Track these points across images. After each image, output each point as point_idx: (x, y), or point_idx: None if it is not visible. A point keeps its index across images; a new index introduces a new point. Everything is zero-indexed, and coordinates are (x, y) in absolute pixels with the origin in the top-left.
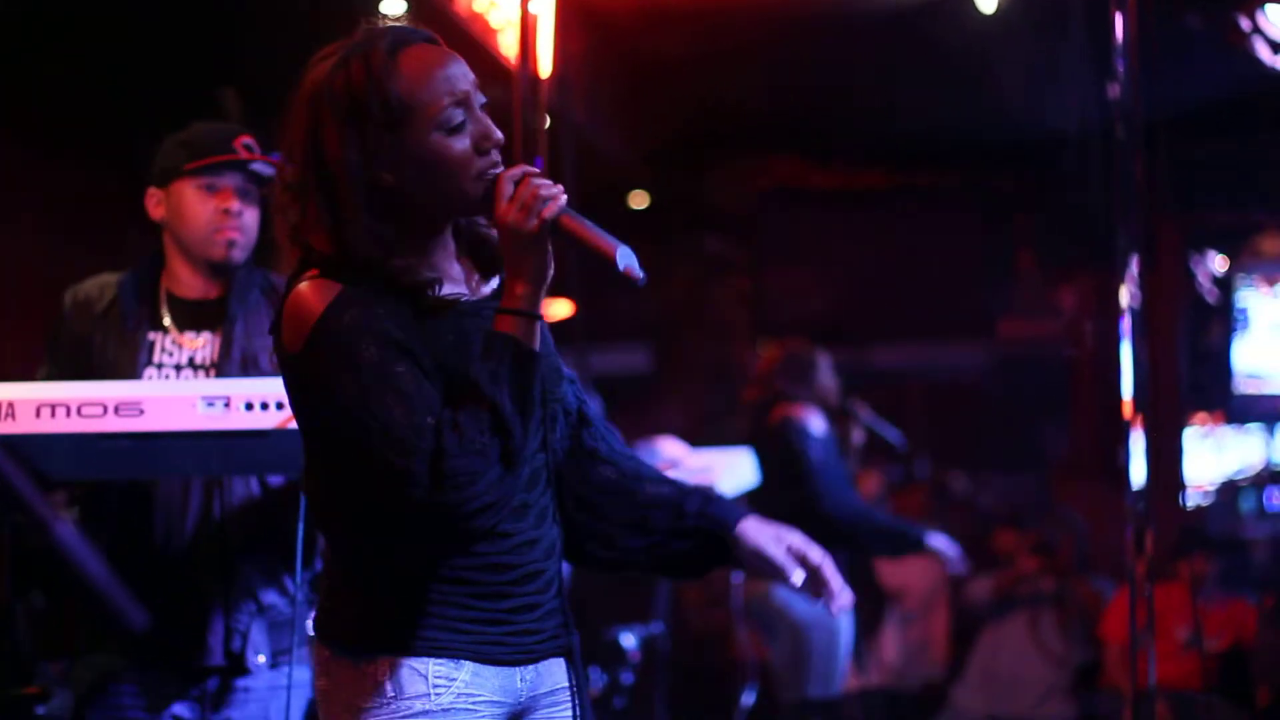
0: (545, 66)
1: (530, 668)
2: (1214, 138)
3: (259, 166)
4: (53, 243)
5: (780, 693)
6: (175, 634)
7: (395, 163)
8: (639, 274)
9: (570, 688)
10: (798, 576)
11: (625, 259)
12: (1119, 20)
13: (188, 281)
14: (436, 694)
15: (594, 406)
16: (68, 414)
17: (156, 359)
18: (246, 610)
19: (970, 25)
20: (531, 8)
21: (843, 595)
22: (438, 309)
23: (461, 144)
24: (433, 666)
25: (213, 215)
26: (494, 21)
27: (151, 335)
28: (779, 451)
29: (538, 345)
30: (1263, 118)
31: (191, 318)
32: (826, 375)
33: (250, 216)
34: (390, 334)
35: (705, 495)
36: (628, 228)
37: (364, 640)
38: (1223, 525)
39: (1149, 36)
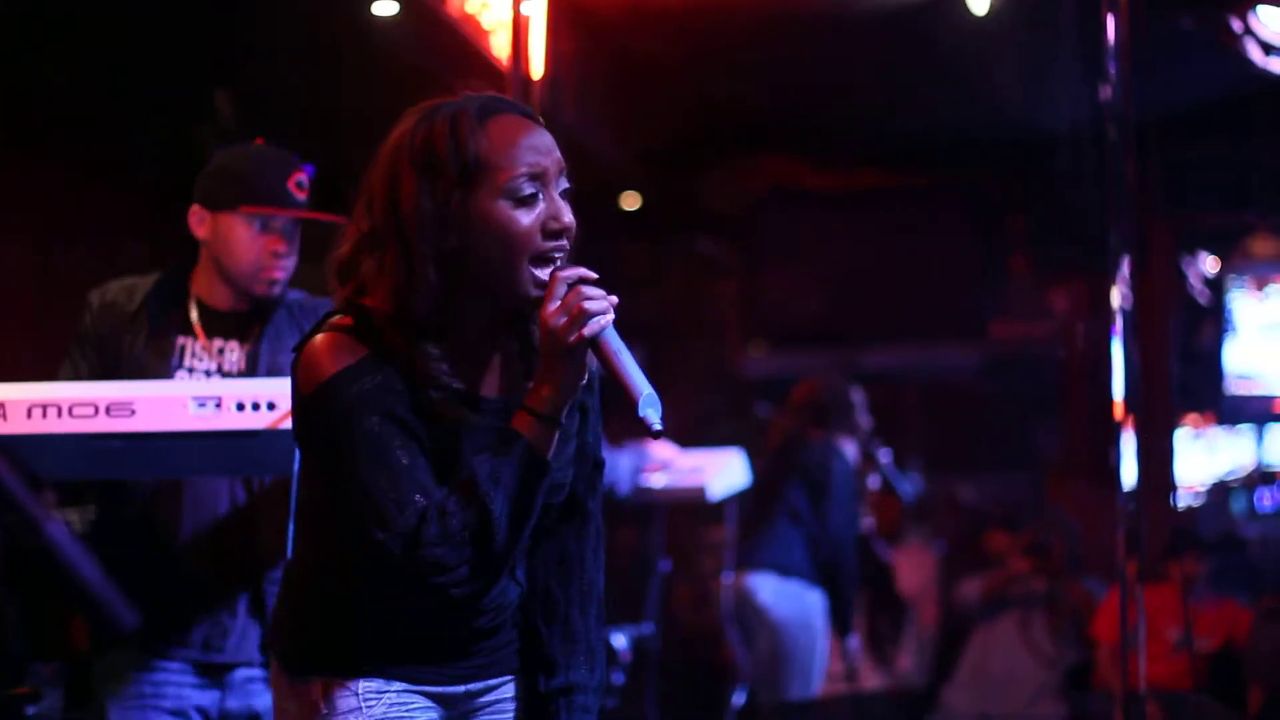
0: (537, 67)
1: (478, 684)
2: (1206, 139)
3: (307, 204)
4: (44, 245)
5: (761, 695)
6: (201, 634)
7: (461, 225)
8: (657, 426)
9: (511, 700)
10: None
11: (647, 406)
12: (1111, 22)
13: (219, 294)
14: (368, 706)
15: (596, 518)
16: (59, 414)
17: (187, 363)
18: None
19: (963, 26)
20: (523, 9)
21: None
22: (442, 413)
23: (527, 218)
24: (362, 684)
25: (261, 254)
26: (486, 23)
27: (181, 339)
28: (811, 470)
29: (550, 454)
30: (1255, 119)
31: (220, 326)
32: (863, 413)
33: (294, 252)
34: (395, 411)
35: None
36: (620, 229)
37: (301, 660)
38: (1214, 526)
39: (1141, 38)
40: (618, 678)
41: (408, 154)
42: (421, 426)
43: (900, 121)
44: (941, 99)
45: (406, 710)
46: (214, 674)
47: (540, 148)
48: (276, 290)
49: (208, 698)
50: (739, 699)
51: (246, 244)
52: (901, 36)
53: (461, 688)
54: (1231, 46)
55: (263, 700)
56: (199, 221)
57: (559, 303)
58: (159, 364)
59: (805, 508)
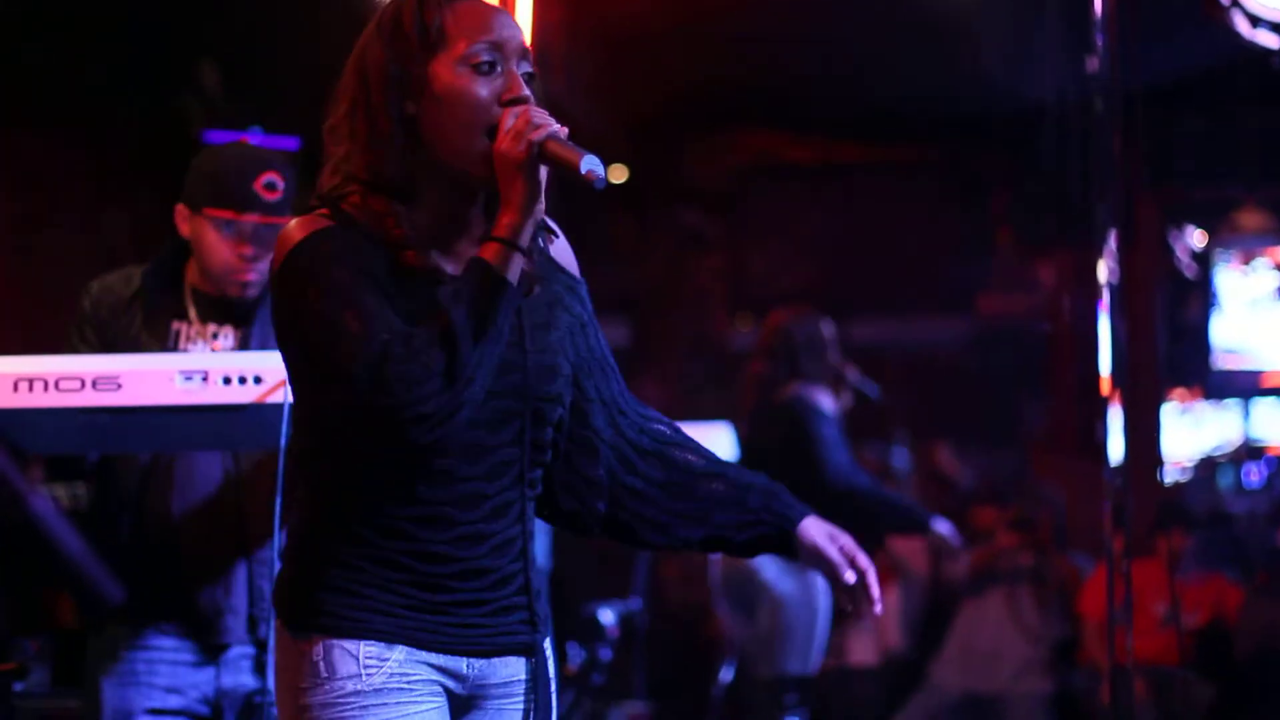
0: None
1: (479, 660)
2: (1193, 113)
3: (277, 206)
4: (26, 214)
5: (756, 667)
6: (196, 611)
7: (421, 90)
8: (600, 176)
9: (526, 682)
10: (849, 576)
11: (588, 164)
12: None
13: (207, 281)
14: (368, 674)
15: (629, 397)
16: (45, 388)
17: (183, 346)
18: (270, 599)
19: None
20: None
21: (879, 603)
22: (414, 270)
23: (484, 88)
24: (363, 648)
25: (230, 257)
26: None
27: (176, 324)
28: (786, 429)
29: (513, 276)
30: (1241, 93)
31: (214, 311)
32: (834, 347)
33: (267, 253)
34: (364, 267)
35: (766, 490)
36: (606, 202)
37: (302, 617)
38: (1201, 501)
39: (1127, 10)
40: (605, 653)
41: (378, 27)
42: (393, 285)
43: (886, 94)
44: (927, 71)
45: (408, 682)
46: (208, 652)
47: (503, 24)
48: (250, 292)
49: (202, 676)
50: (727, 674)
51: (215, 246)
52: (887, 8)
53: (464, 662)
54: (1218, 19)
55: (257, 679)
56: (182, 220)
57: (509, 125)
58: (155, 348)
59: (801, 476)
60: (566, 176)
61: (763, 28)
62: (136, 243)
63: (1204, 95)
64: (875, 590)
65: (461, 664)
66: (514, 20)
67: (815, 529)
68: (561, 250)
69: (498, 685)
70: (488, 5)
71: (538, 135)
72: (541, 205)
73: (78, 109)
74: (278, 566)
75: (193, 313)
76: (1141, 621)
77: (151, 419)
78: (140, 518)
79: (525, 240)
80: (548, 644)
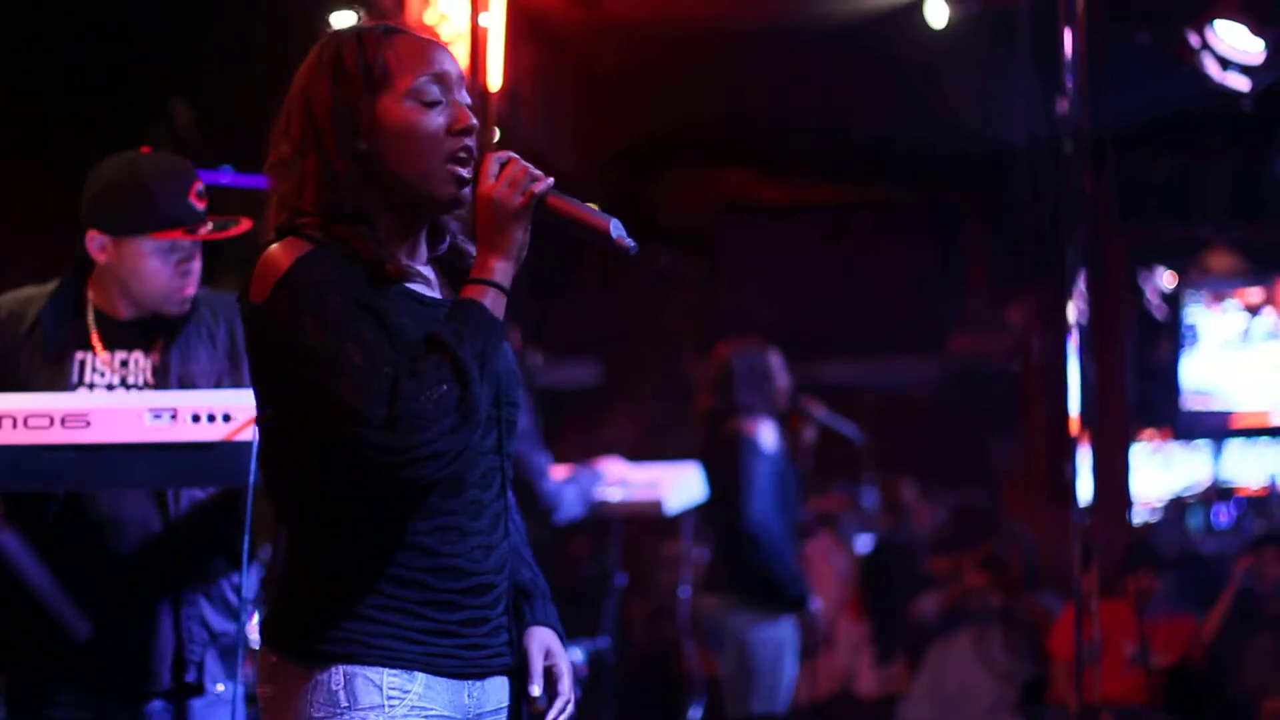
0: (495, 80)
1: (477, 684)
2: (1162, 154)
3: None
4: None
5: (726, 707)
6: (121, 657)
7: (371, 129)
8: (630, 244)
9: (509, 708)
10: (535, 690)
11: (617, 229)
12: (1068, 36)
13: (120, 306)
14: (390, 706)
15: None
16: (14, 425)
17: (88, 379)
18: (199, 640)
19: (920, 40)
20: (482, 21)
21: (555, 711)
22: (396, 279)
23: (434, 120)
24: (387, 677)
25: (172, 276)
26: (445, 34)
27: (80, 354)
28: (727, 465)
29: (502, 317)
30: (1211, 134)
31: (121, 337)
32: (780, 378)
33: (200, 262)
34: (354, 292)
35: (544, 596)
36: (579, 240)
37: (317, 646)
38: (1170, 542)
39: (1097, 52)
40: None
41: (319, 67)
42: (376, 300)
43: (858, 135)
44: (899, 112)
45: (425, 716)
46: (134, 704)
47: (441, 56)
48: (187, 308)
49: None
50: (695, 713)
51: (157, 269)
52: (859, 50)
53: (466, 691)
54: (1188, 61)
55: None
56: (99, 248)
57: (498, 175)
58: (57, 382)
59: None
60: (582, 237)
61: (737, 68)
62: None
63: (1174, 137)
64: (559, 703)
65: (464, 693)
66: (449, 52)
67: (536, 638)
68: None
69: (490, 713)
70: (424, 39)
71: (539, 188)
72: (526, 251)
73: (48, 144)
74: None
75: (97, 341)
76: (1110, 661)
77: (119, 457)
78: (65, 558)
79: (510, 283)
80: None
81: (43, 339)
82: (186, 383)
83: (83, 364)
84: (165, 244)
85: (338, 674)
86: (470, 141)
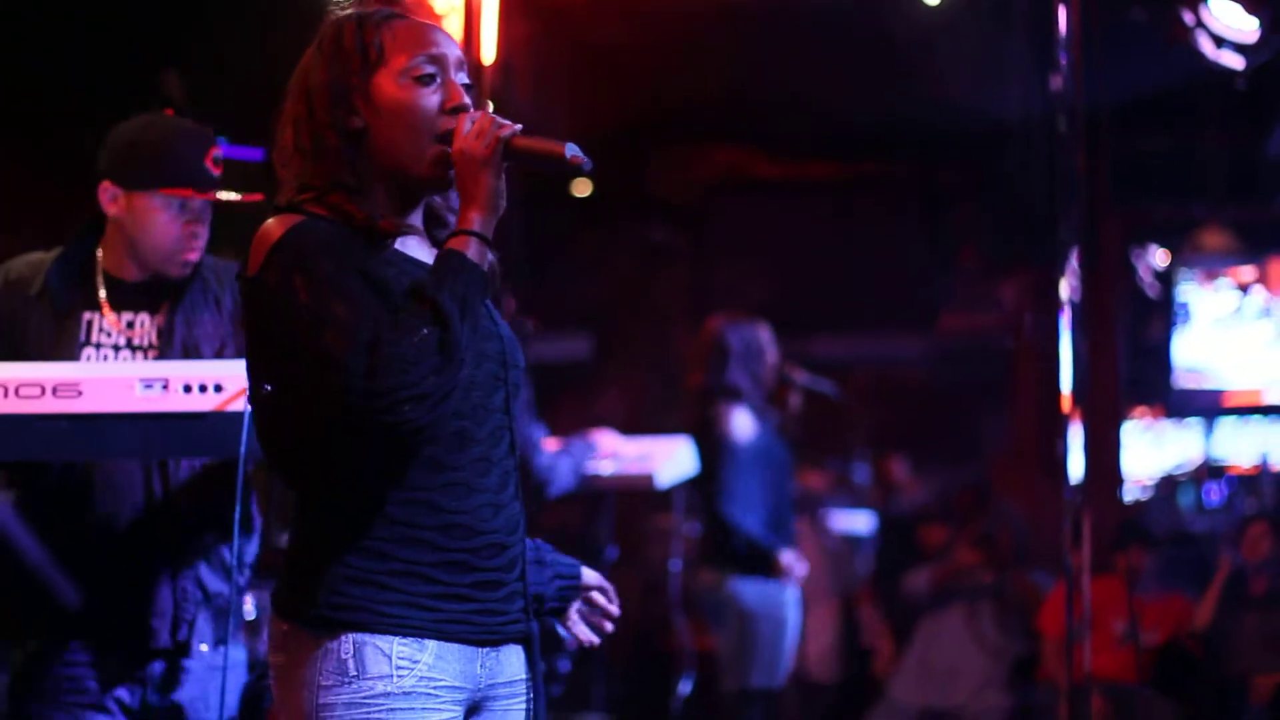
0: (489, 53)
1: (491, 652)
2: (1156, 132)
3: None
4: None
5: (723, 680)
6: (119, 618)
7: (365, 104)
8: (585, 161)
9: (526, 680)
10: (593, 640)
11: (572, 150)
12: (1062, 13)
13: (129, 267)
14: (399, 675)
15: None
16: (5, 395)
17: (94, 339)
18: (193, 599)
19: (915, 17)
20: None
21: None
22: (391, 234)
23: (428, 97)
24: (397, 646)
25: (180, 236)
26: (439, 7)
27: (87, 315)
28: (711, 448)
29: (484, 266)
30: (1205, 112)
31: (129, 299)
32: (769, 355)
33: (208, 229)
34: (347, 255)
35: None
36: (572, 216)
37: (327, 614)
38: (1161, 520)
39: (1092, 30)
40: (564, 665)
41: (319, 47)
42: (374, 262)
43: (851, 112)
44: (894, 90)
45: (434, 688)
46: (134, 666)
47: (440, 39)
48: (189, 271)
49: (127, 690)
50: (685, 687)
51: (164, 226)
52: (854, 26)
53: (479, 659)
54: (1182, 39)
55: (181, 691)
56: (111, 199)
57: (469, 128)
58: (65, 342)
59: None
60: (546, 168)
61: (729, 44)
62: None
63: (1167, 115)
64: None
65: (477, 662)
66: (449, 36)
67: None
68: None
69: (504, 684)
70: (424, 23)
71: (505, 132)
72: (504, 200)
73: (39, 118)
74: (239, 572)
75: (104, 303)
76: (1100, 639)
77: (111, 426)
78: (59, 526)
79: (491, 232)
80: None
81: (51, 299)
82: (190, 346)
83: (90, 324)
84: (175, 202)
85: (347, 642)
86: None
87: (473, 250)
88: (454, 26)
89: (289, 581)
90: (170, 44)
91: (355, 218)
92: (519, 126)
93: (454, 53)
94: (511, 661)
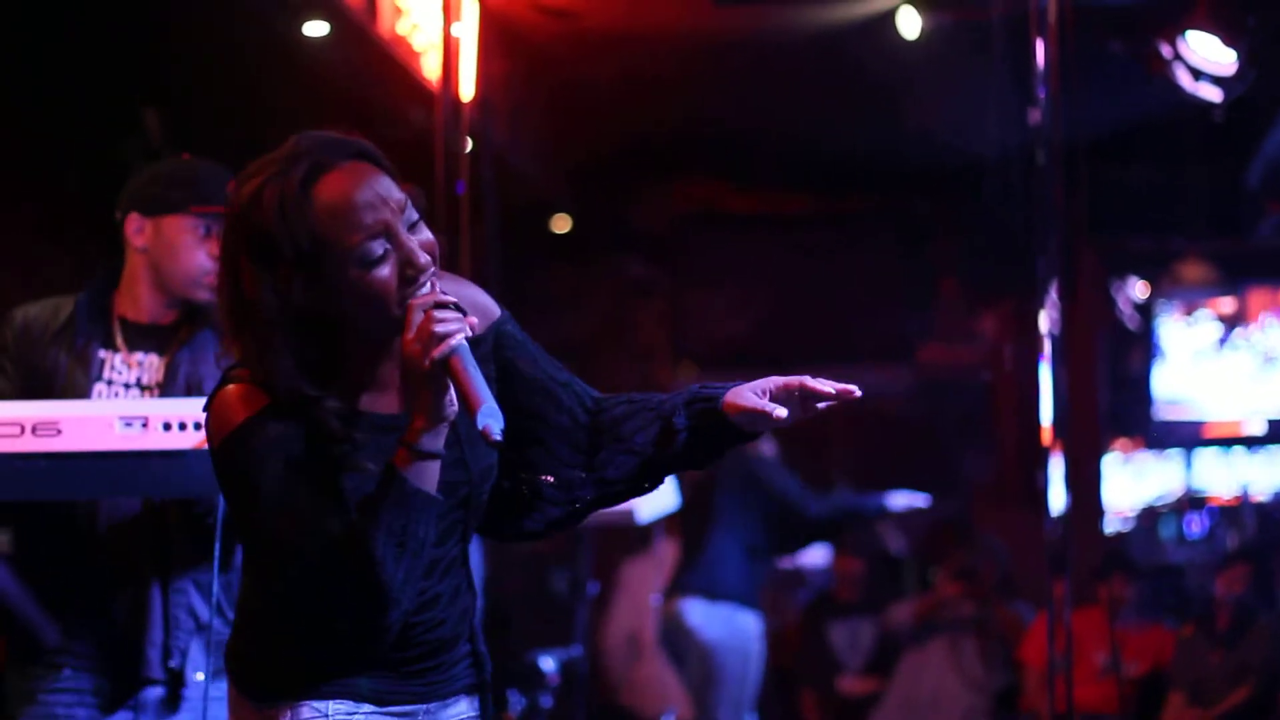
0: (468, 90)
1: (436, 705)
2: (1134, 164)
3: None
4: None
5: (703, 714)
6: (111, 646)
7: (315, 298)
8: (496, 436)
9: (476, 718)
10: (780, 412)
11: (485, 418)
12: (1040, 46)
13: (145, 307)
14: None
15: (582, 405)
16: None
17: (107, 376)
18: (185, 628)
19: (892, 50)
20: (454, 31)
21: (846, 386)
22: (350, 439)
23: (383, 275)
24: (333, 706)
25: (204, 260)
26: (417, 45)
27: (103, 353)
28: (738, 480)
29: (428, 483)
30: (1183, 144)
31: (141, 340)
32: None
33: None
34: (300, 458)
35: (682, 392)
36: (550, 251)
37: (265, 686)
38: (1142, 551)
39: (1070, 62)
40: (546, 701)
41: (245, 240)
42: (329, 468)
43: (830, 144)
44: (871, 122)
45: None
46: (126, 693)
47: (374, 201)
48: (212, 296)
49: (121, 715)
50: None
51: (191, 248)
52: (832, 60)
53: (421, 710)
54: (1160, 72)
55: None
56: (137, 230)
57: (412, 330)
58: (80, 378)
59: (739, 516)
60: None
61: (706, 79)
62: (78, 284)
63: (1146, 147)
64: (825, 385)
65: (419, 714)
66: (386, 183)
67: (739, 394)
68: (473, 300)
69: None
70: (351, 174)
71: (439, 352)
72: (453, 407)
73: (17, 153)
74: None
75: (120, 342)
76: (1082, 670)
77: (91, 465)
78: (63, 560)
79: (438, 445)
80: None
81: (72, 336)
82: (194, 384)
83: (104, 362)
84: (201, 225)
85: (286, 712)
86: (425, 279)
87: (414, 471)
88: (432, 64)
89: (234, 646)
90: (150, 82)
91: (318, 418)
92: (457, 338)
93: (394, 202)
94: (459, 704)
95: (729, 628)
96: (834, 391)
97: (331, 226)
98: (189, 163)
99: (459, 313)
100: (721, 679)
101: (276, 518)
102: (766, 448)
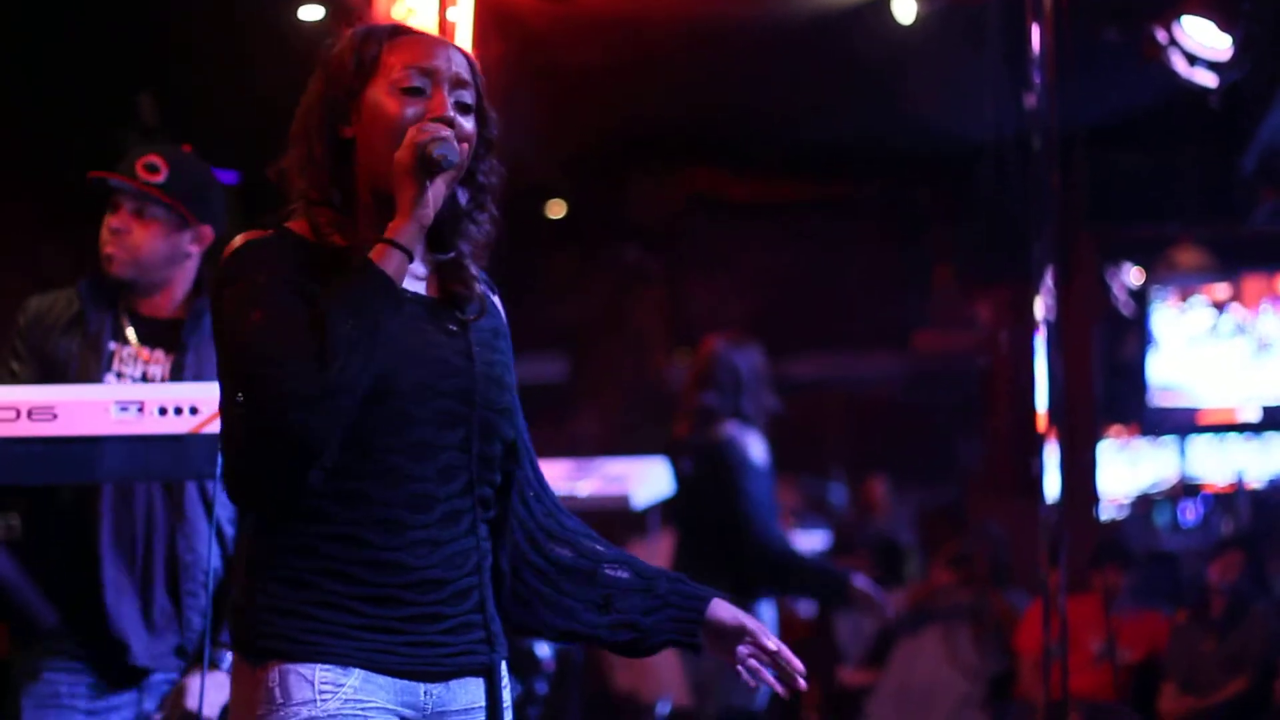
0: None
1: (439, 684)
2: (1130, 150)
3: (149, 190)
4: None
5: (704, 701)
6: (118, 632)
7: (356, 115)
8: (450, 158)
9: (485, 709)
10: (750, 669)
11: (440, 149)
12: (1035, 32)
13: (150, 302)
14: (323, 699)
15: (544, 482)
16: None
17: (116, 368)
18: (196, 630)
19: (888, 37)
20: (450, 15)
21: (800, 677)
22: (348, 253)
23: (410, 108)
24: (319, 672)
25: (105, 231)
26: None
27: (113, 345)
28: (715, 472)
29: (393, 271)
30: (1178, 130)
31: (152, 335)
32: (768, 380)
33: (141, 235)
34: (292, 272)
35: (673, 577)
36: (546, 237)
37: (258, 645)
38: (1137, 538)
39: (1065, 48)
40: (541, 688)
41: (323, 59)
42: (318, 288)
43: (825, 132)
44: (867, 109)
45: (362, 709)
46: (131, 677)
47: (437, 52)
48: (116, 270)
49: (125, 700)
50: (664, 709)
51: (103, 221)
52: (827, 46)
53: (422, 689)
54: (1156, 58)
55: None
56: None
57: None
58: (91, 369)
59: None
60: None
61: (702, 65)
62: (76, 274)
63: (1141, 133)
64: (796, 663)
65: (419, 691)
66: (455, 53)
67: (726, 610)
68: (500, 306)
69: (458, 712)
70: (429, 37)
71: (421, 139)
72: (428, 210)
73: (14, 144)
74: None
75: (130, 335)
76: (1077, 657)
77: (87, 449)
78: (69, 541)
79: (409, 241)
80: (504, 668)
81: (83, 327)
82: (200, 379)
83: (113, 355)
84: (112, 202)
85: (274, 672)
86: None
87: (384, 258)
88: None
89: (233, 610)
90: (146, 68)
91: (328, 241)
92: (444, 134)
93: (451, 68)
94: (469, 690)
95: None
96: (789, 670)
97: (390, 54)
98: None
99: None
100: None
101: (248, 311)
102: (758, 452)
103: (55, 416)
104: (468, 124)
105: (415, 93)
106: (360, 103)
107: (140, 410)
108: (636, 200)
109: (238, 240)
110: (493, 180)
